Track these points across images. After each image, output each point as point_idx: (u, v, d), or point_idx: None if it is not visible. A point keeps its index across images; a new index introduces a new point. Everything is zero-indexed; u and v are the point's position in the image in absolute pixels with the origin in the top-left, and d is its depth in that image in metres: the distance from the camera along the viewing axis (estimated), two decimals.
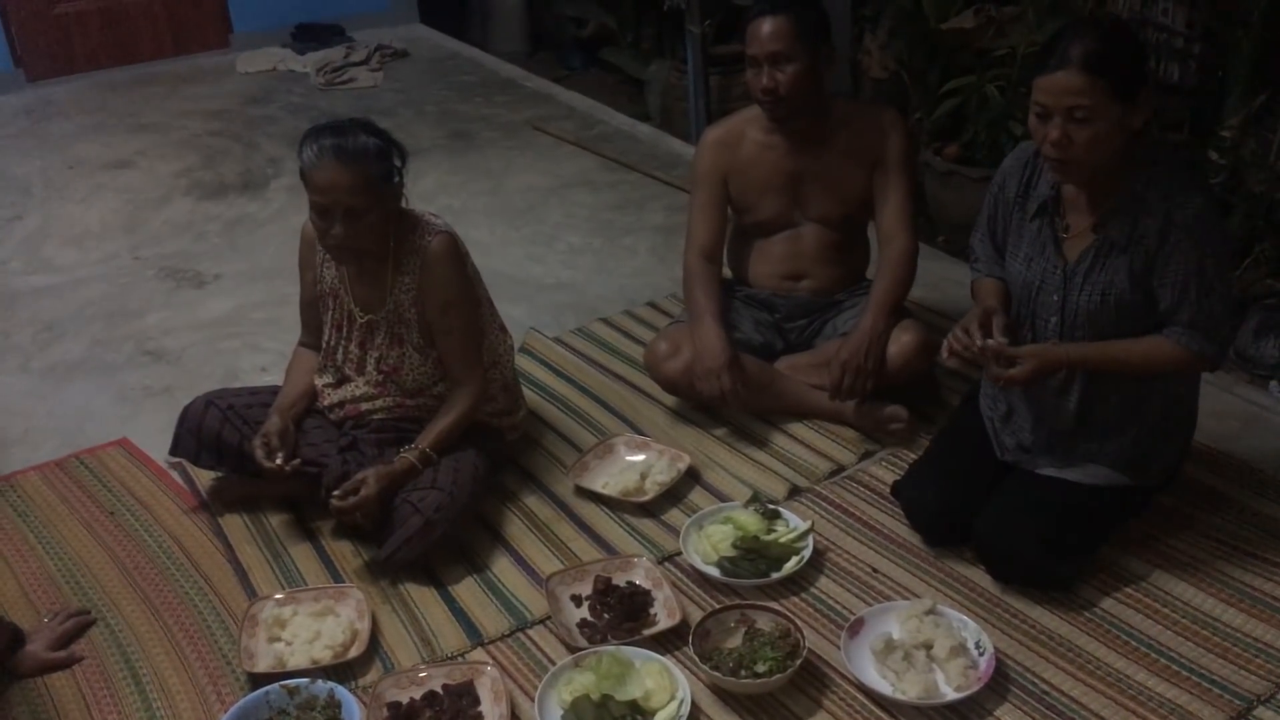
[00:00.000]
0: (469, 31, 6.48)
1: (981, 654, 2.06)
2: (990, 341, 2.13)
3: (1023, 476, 2.29)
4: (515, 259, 3.77)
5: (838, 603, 2.27)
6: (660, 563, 2.39)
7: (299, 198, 4.34)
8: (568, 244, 3.96)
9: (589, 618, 2.25)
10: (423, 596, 2.35)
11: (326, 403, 2.60)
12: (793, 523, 2.44)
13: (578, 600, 2.30)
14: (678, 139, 4.81)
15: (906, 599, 2.22)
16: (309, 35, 6.09)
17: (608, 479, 2.65)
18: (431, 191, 4.04)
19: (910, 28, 4.21)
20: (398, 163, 2.42)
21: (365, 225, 2.36)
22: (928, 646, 2.06)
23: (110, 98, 5.51)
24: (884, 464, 2.67)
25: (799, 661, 2.03)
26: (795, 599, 2.29)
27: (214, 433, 2.57)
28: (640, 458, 2.72)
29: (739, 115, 2.88)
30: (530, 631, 2.25)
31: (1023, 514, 2.19)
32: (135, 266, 3.90)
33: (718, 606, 2.20)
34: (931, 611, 2.13)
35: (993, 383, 2.21)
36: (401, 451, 2.46)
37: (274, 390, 2.65)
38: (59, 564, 2.50)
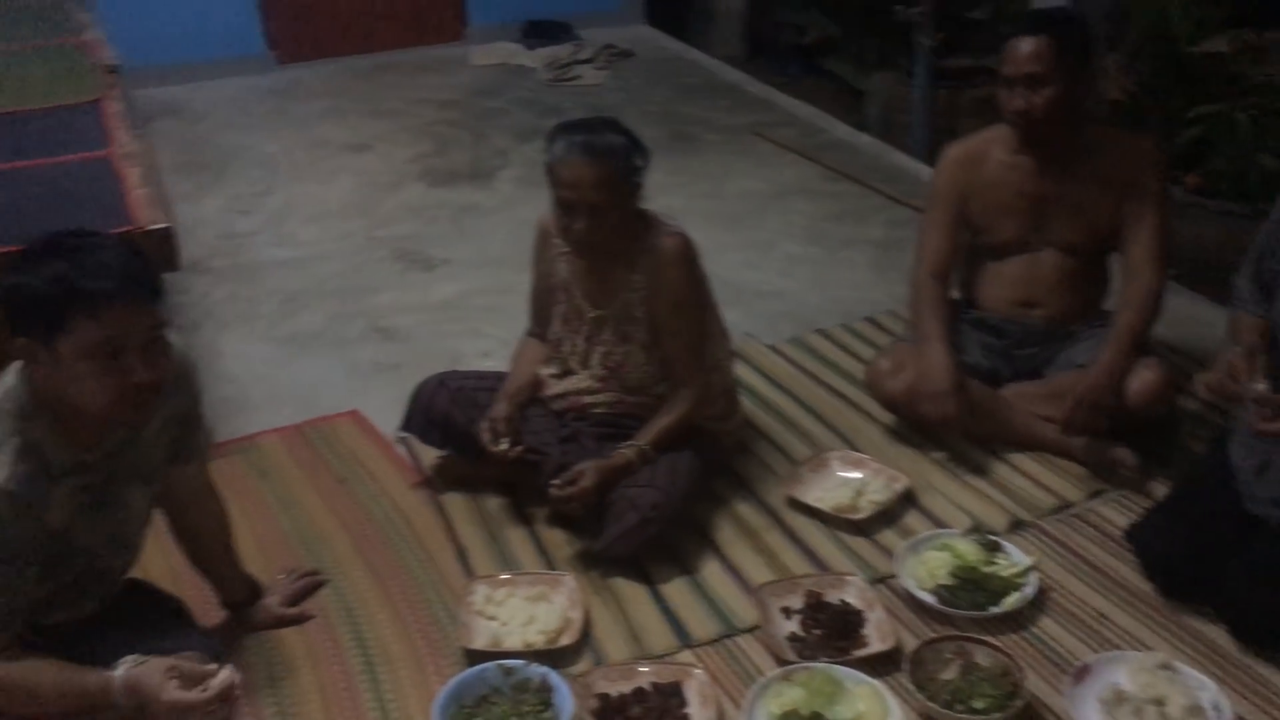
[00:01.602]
0: (690, 34, 6.53)
1: (1220, 718, 1.94)
2: (1256, 387, 2.00)
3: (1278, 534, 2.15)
4: (731, 264, 3.77)
5: (1060, 646, 2.18)
6: (873, 583, 2.35)
7: (525, 189, 4.51)
8: (785, 252, 3.94)
9: (799, 632, 2.23)
10: (633, 592, 2.38)
11: (550, 393, 2.66)
12: (1015, 557, 2.36)
13: (787, 613, 2.28)
14: (901, 152, 4.72)
15: (1137, 650, 2.12)
16: (539, 32, 6.25)
17: (821, 493, 2.62)
18: (651, 191, 4.03)
19: (1156, 49, 4.02)
20: (640, 163, 2.46)
21: (606, 222, 2.40)
22: (1160, 703, 1.96)
23: (352, 83, 5.78)
24: (1115, 505, 2.55)
25: (1021, 703, 1.96)
26: (1014, 637, 2.21)
27: (443, 412, 2.66)
28: (856, 475, 2.68)
29: (983, 133, 2.80)
30: (739, 639, 2.25)
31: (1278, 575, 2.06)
32: (370, 246, 4.08)
33: (935, 635, 2.15)
34: (1166, 666, 2.02)
35: (1251, 431, 2.08)
36: (620, 447, 2.50)
37: (501, 376, 2.73)
38: (293, 524, 2.64)
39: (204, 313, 3.61)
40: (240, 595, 2.30)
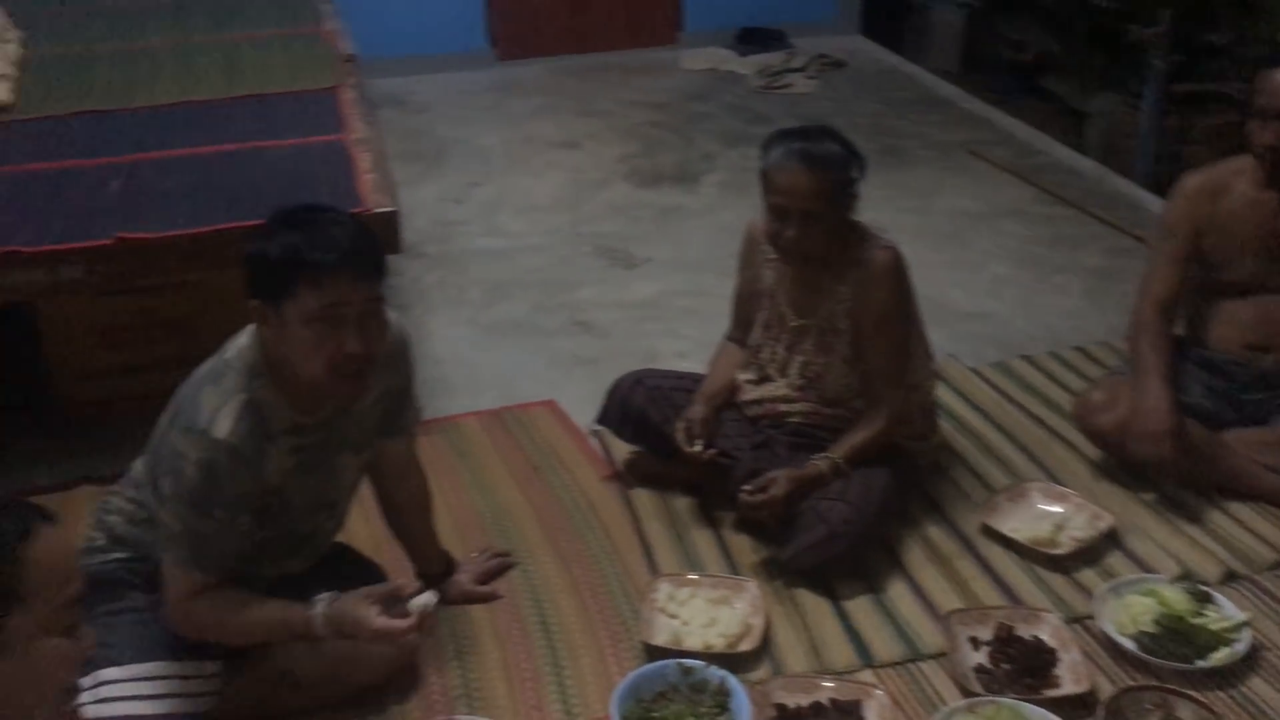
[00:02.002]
0: (904, 46, 6.42)
1: None
2: None
3: None
4: (936, 282, 3.69)
5: (1272, 710, 2.05)
6: (1069, 623, 2.26)
7: (729, 194, 4.53)
8: (993, 274, 3.83)
9: (987, 664, 2.16)
10: (816, 605, 2.36)
11: (745, 398, 2.66)
12: (1227, 610, 2.23)
13: (975, 643, 2.21)
14: (1123, 178, 4.52)
15: None
16: (752, 39, 6.26)
17: (1018, 524, 2.54)
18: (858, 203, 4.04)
19: None
20: (856, 173, 2.43)
21: (818, 231, 2.38)
22: None
23: (566, 82, 5.92)
24: None
25: None
26: (1221, 694, 2.08)
27: (639, 409, 2.69)
28: (1057, 509, 2.58)
29: (1225, 165, 2.65)
30: (922, 664, 2.20)
31: None
32: (574, 241, 4.17)
33: (1136, 684, 2.05)
34: None
35: None
36: (814, 458, 2.47)
37: (697, 377, 2.75)
38: (487, 506, 2.72)
39: (415, 295, 3.76)
40: (435, 568, 2.38)
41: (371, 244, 1.88)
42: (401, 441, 2.24)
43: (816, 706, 2.07)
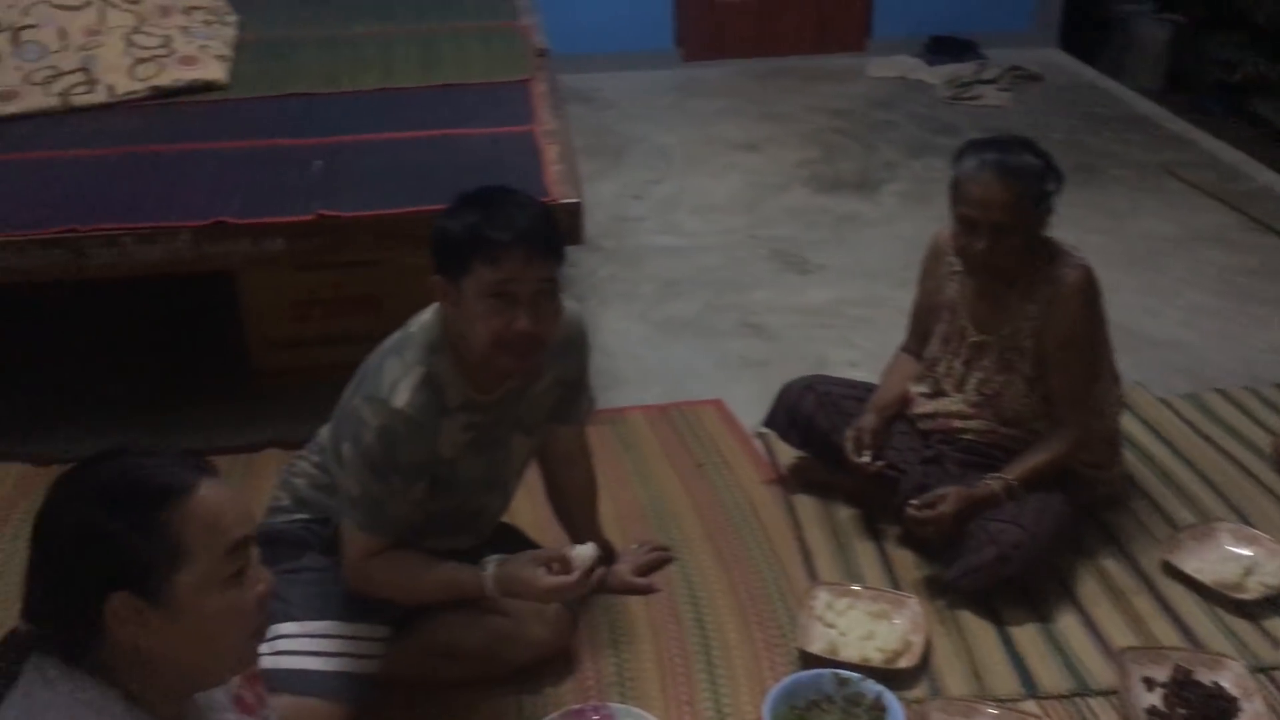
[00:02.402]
0: (1104, 62, 6.17)
1: None
2: None
3: None
4: (1127, 307, 3.53)
5: None
6: (1254, 672, 2.13)
7: (909, 205, 4.44)
8: (1189, 302, 3.65)
9: (1160, 706, 2.06)
10: (979, 629, 2.29)
11: (917, 411, 2.60)
12: None
13: (1150, 684, 2.11)
14: None
15: None
16: (942, 48, 6.12)
17: (1202, 564, 2.41)
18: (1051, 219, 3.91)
19: None
20: (1052, 188, 2.35)
21: (1008, 245, 2.31)
22: None
23: (749, 85, 5.91)
24: None
25: None
26: None
27: (808, 415, 2.67)
28: (1246, 551, 2.44)
29: None
30: (1090, 700, 2.11)
31: None
32: (749, 243, 4.15)
33: None
34: None
35: None
36: (986, 478, 2.40)
37: (869, 387, 2.70)
38: (649, 499, 2.73)
39: (590, 288, 3.81)
40: (597, 562, 2.40)
41: (550, 227, 1.92)
42: (573, 429, 2.28)
43: None
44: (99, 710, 1.16)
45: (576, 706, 2.08)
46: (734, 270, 3.95)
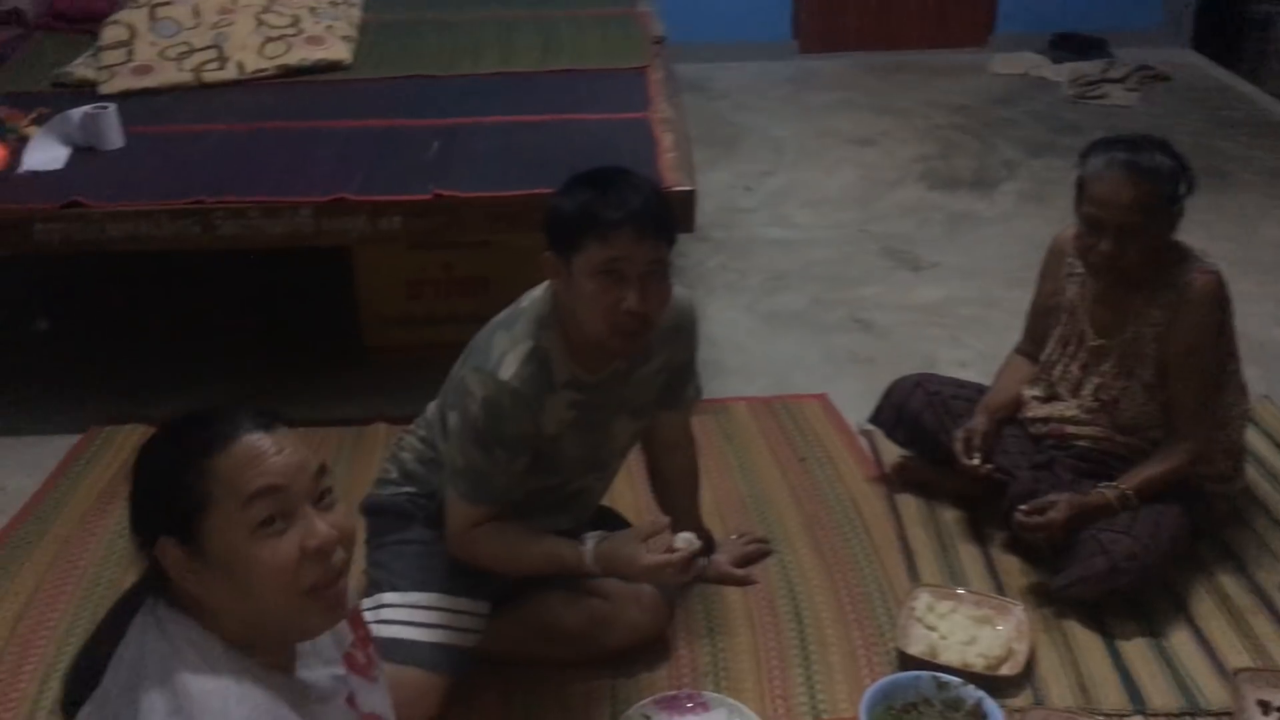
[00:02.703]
0: (1239, 63, 5.94)
1: None
2: None
3: None
4: (1255, 316, 3.40)
5: None
6: None
7: (1027, 204, 4.34)
8: None
9: None
10: (1086, 640, 2.23)
11: (1030, 415, 2.54)
12: None
13: (1265, 707, 2.03)
14: None
15: None
16: (1068, 45, 5.95)
17: None
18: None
19: None
20: (1184, 190, 2.28)
21: (1134, 247, 2.24)
22: None
23: (865, 78, 5.82)
24: None
25: None
26: None
27: (915, 413, 2.63)
28: None
29: None
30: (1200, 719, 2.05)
31: None
32: (860, 239, 4.10)
33: None
34: None
35: None
36: (1100, 486, 2.34)
37: (980, 388, 2.65)
38: (749, 491, 2.72)
39: (698, 278, 3.80)
40: (696, 550, 2.40)
41: (662, 208, 1.92)
42: (679, 415, 2.28)
43: None
44: (200, 649, 1.20)
45: (670, 693, 2.08)
46: (843, 265, 3.91)
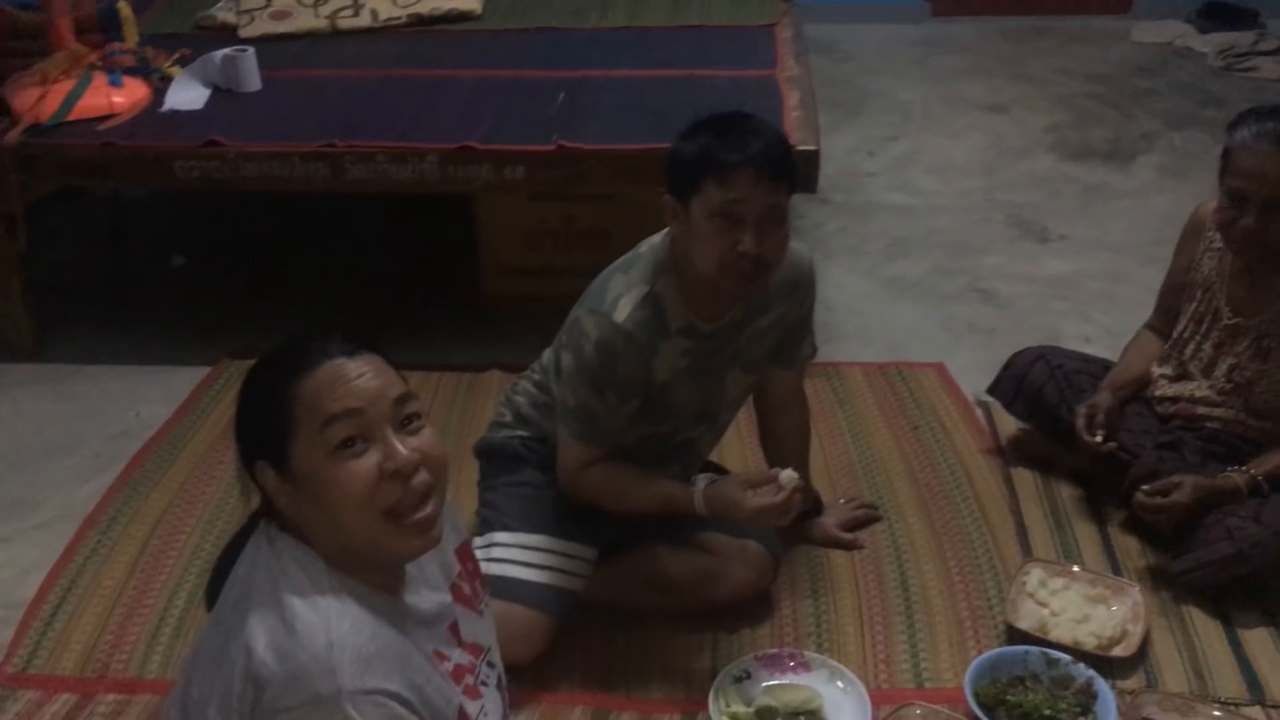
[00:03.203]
0: None
1: None
2: None
3: None
4: None
5: None
6: None
7: (1165, 178, 4.18)
8: None
9: None
10: (1205, 626, 2.17)
11: (1157, 394, 2.46)
12: None
13: None
14: None
15: None
16: (1216, 15, 5.69)
17: None
18: None
19: None
20: None
21: (1278, 223, 2.15)
22: None
23: (999, 43, 5.66)
24: None
25: None
26: None
27: (1036, 386, 2.57)
28: None
29: None
30: None
31: None
32: (986, 207, 4.00)
33: None
34: None
35: None
36: (1229, 470, 2.26)
37: (1105, 364, 2.58)
38: (860, 456, 2.70)
39: (816, 241, 3.75)
40: (803, 505, 2.39)
41: (782, 153, 1.90)
42: (792, 374, 2.27)
43: None
44: (305, 569, 1.25)
45: (773, 650, 2.09)
46: (967, 233, 3.82)
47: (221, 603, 1.30)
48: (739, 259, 1.87)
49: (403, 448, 1.26)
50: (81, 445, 2.76)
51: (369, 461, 1.24)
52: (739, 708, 1.96)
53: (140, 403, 2.93)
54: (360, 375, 1.26)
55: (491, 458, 2.23)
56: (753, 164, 1.84)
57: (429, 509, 1.29)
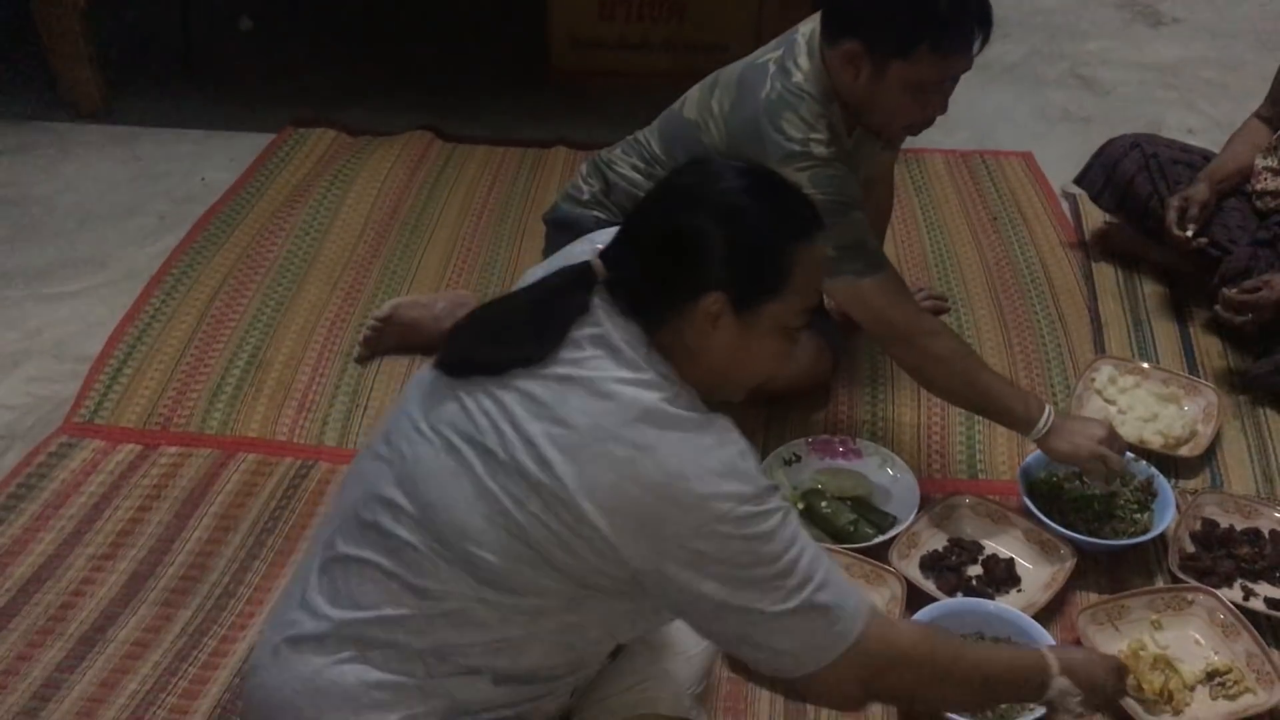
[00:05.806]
0: None
1: None
2: None
3: None
4: None
5: None
6: None
7: None
8: None
9: None
10: (1279, 431, 2.08)
11: (1259, 188, 2.30)
12: None
13: None
14: None
15: None
16: None
17: None
18: None
19: None
20: None
21: None
22: None
23: None
24: None
25: None
26: None
27: (1128, 176, 2.41)
28: None
29: None
30: None
31: None
32: None
33: None
34: None
35: None
36: None
37: (1206, 154, 2.41)
38: (933, 245, 2.60)
39: None
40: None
41: (990, 17, 1.70)
42: (888, 155, 2.14)
43: (1252, 532, 1.84)
44: (654, 367, 1.19)
45: (825, 436, 2.05)
46: (1072, 14, 3.56)
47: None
48: (924, 123, 1.77)
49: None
50: (147, 207, 2.77)
51: (790, 354, 1.25)
52: (787, 490, 1.94)
53: (205, 167, 2.91)
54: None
55: (564, 230, 2.15)
56: (981, 34, 1.67)
57: None
